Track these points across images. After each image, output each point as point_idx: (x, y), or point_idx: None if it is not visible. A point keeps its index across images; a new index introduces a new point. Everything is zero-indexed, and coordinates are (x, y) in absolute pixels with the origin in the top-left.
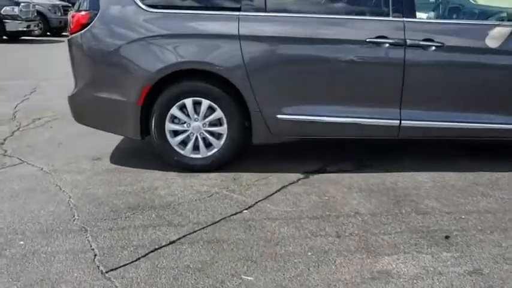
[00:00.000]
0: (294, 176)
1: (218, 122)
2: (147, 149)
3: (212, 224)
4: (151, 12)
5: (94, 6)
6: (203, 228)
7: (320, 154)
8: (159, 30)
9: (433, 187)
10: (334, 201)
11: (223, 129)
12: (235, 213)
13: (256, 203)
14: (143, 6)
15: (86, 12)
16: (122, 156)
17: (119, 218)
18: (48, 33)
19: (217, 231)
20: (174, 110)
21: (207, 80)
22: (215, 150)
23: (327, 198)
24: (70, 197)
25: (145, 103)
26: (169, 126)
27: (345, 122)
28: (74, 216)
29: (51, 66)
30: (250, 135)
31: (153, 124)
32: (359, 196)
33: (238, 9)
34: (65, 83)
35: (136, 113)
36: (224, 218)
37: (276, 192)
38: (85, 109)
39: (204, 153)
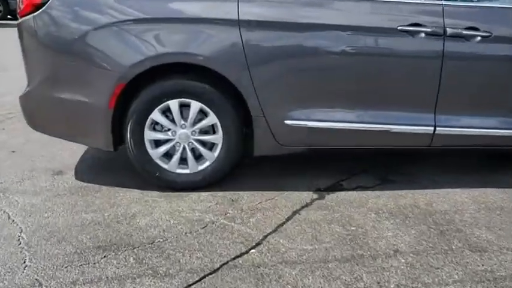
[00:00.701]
0: (305, 196)
1: (211, 129)
2: (121, 160)
3: (211, 273)
4: None
5: None
6: (200, 280)
7: (330, 166)
8: (136, 12)
9: (477, 210)
10: (363, 234)
11: (217, 138)
12: (240, 255)
13: (266, 237)
14: None
15: None
16: (89, 170)
17: (86, 265)
18: (8, 17)
19: (219, 286)
20: (156, 115)
21: (198, 77)
22: (207, 164)
23: (353, 228)
24: (21, 231)
25: (118, 106)
26: (149, 134)
27: (370, 129)
28: (24, 262)
29: (8, 53)
30: (251, 146)
31: (128, 132)
32: (392, 225)
33: None
34: (24, 74)
35: (106, 118)
36: (226, 262)
37: (287, 220)
38: (41, 113)
39: (193, 167)
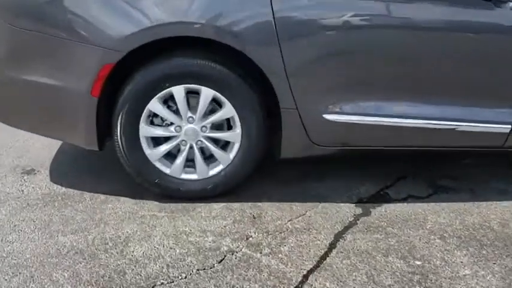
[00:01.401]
0: (346, 211)
1: (225, 124)
2: (109, 158)
3: None
4: None
5: None
6: None
7: (368, 168)
8: None
9: None
10: (434, 272)
11: (234, 135)
12: None
13: (306, 277)
14: None
15: None
16: (68, 169)
17: None
18: None
19: None
20: (155, 105)
21: (211, 56)
22: (220, 167)
23: (419, 263)
24: None
25: (104, 93)
26: (146, 130)
27: (432, 127)
28: None
29: None
30: (276, 145)
31: (118, 127)
32: (466, 257)
33: None
34: None
35: (89, 108)
36: None
37: (330, 249)
38: (3, 99)
39: (203, 172)
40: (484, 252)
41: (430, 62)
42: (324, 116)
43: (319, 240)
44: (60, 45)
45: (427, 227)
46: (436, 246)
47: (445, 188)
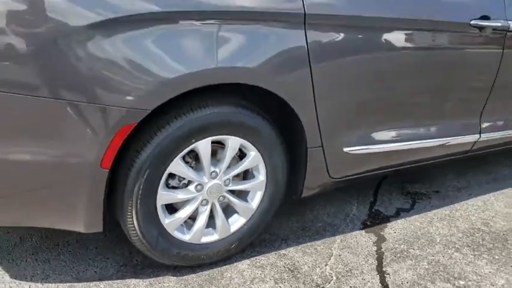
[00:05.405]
0: (363, 240)
1: (245, 174)
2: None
3: None
4: None
5: None
6: None
7: (337, 194)
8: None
9: None
10: None
11: (258, 184)
12: None
13: None
14: None
15: None
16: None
17: None
18: None
19: None
20: (177, 165)
21: (238, 101)
22: (243, 221)
23: (462, 283)
24: None
25: (115, 162)
26: (165, 196)
27: (430, 145)
28: None
29: None
30: (295, 186)
31: (134, 200)
32: (492, 264)
33: None
34: None
35: (98, 184)
36: None
37: (384, 285)
38: None
39: (225, 230)
40: (497, 257)
41: (439, 87)
42: (344, 149)
43: (369, 281)
44: (58, 110)
45: (438, 241)
46: (458, 259)
47: (418, 195)
